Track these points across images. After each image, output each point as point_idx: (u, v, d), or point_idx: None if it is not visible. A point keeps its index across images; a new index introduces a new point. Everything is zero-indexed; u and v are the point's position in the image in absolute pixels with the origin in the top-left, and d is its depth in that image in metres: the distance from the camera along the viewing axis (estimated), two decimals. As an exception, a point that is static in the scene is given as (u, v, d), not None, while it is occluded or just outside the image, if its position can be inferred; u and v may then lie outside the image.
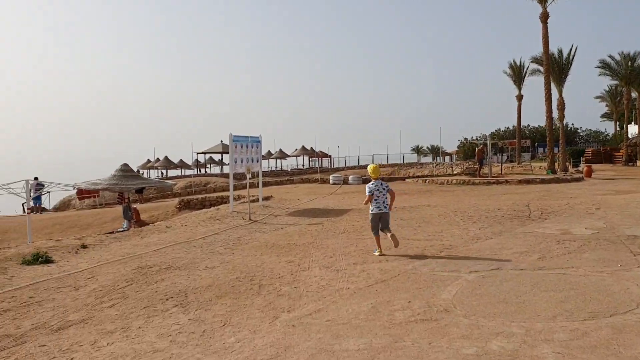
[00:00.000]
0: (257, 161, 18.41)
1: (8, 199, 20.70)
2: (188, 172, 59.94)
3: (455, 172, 38.41)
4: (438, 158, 77.22)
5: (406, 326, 5.17)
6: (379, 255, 8.83)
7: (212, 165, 65.54)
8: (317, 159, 64.74)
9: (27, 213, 17.47)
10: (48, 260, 9.37)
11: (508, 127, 67.15)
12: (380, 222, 8.96)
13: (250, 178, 16.60)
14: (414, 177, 33.30)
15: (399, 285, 6.81)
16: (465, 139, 71.50)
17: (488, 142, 32.12)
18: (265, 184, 26.93)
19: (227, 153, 54.14)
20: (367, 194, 9.01)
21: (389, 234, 8.83)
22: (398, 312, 5.66)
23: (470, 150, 57.61)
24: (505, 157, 47.27)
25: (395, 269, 7.74)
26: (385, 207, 8.98)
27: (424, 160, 78.04)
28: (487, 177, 28.09)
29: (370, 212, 9.05)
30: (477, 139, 67.23)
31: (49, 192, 28.98)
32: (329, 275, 7.54)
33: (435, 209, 15.33)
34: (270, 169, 61.46)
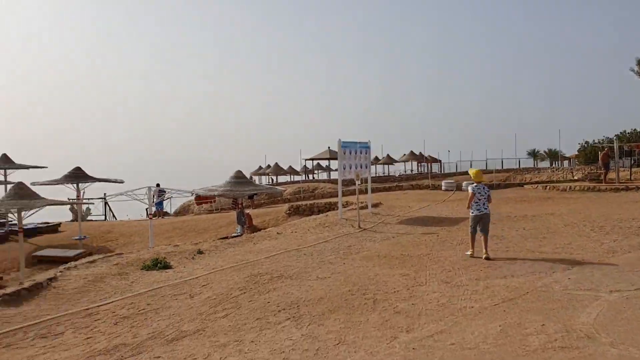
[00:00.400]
0: (366, 167, 18.08)
1: (134, 204, 21.96)
2: (297, 178, 61.02)
3: (576, 178, 35.80)
4: (556, 163, 72.71)
5: (543, 354, 4.57)
6: (470, 256, 9.27)
7: (319, 171, 66.26)
8: (426, 164, 63.35)
9: (149, 218, 18.36)
10: (166, 266, 9.62)
11: (635, 129, 61.75)
12: (479, 224, 9.42)
13: (359, 184, 16.31)
14: (531, 183, 31.40)
15: (529, 305, 6.15)
16: (586, 142, 66.68)
17: (615, 144, 29.55)
18: (373, 190, 26.56)
19: (335, 159, 54.18)
20: (469, 191, 9.58)
21: (484, 242, 9.19)
22: (531, 336, 5.05)
23: (592, 154, 53.58)
24: (632, 161, 43.41)
25: (522, 286, 7.05)
26: (486, 209, 9.45)
27: (540, 165, 73.81)
28: (615, 182, 25.80)
29: (470, 213, 9.58)
30: (599, 142, 62.52)
31: (170, 198, 30.50)
32: (449, 292, 7.01)
33: (559, 217, 14.17)
34: (377, 175, 61.03)
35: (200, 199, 33.08)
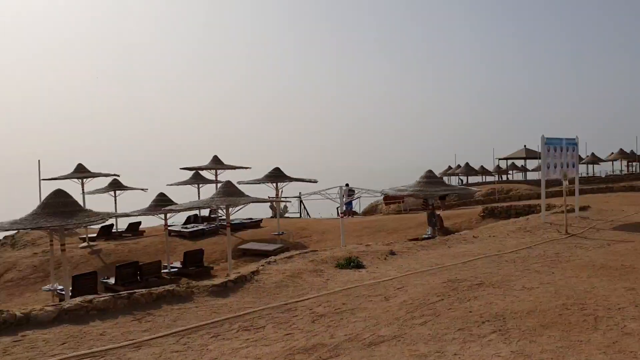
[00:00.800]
0: (573, 166, 16.37)
1: (326, 203, 22.63)
2: (489, 178, 58.34)
3: None
4: None
5: None
6: None
7: (514, 171, 62.65)
8: (638, 163, 56.32)
9: (340, 217, 18.72)
10: (359, 265, 9.52)
11: None
12: None
13: (566, 185, 14.78)
14: None
15: None
16: None
17: None
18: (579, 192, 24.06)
19: (531, 158, 50.57)
20: None
21: None
22: None
23: None
24: None
25: None
26: None
27: None
28: None
29: None
30: None
31: (359, 197, 31.01)
32: (694, 314, 5.82)
33: None
34: (580, 175, 55.73)
35: (388, 198, 33.15)
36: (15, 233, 27.55)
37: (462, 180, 61.51)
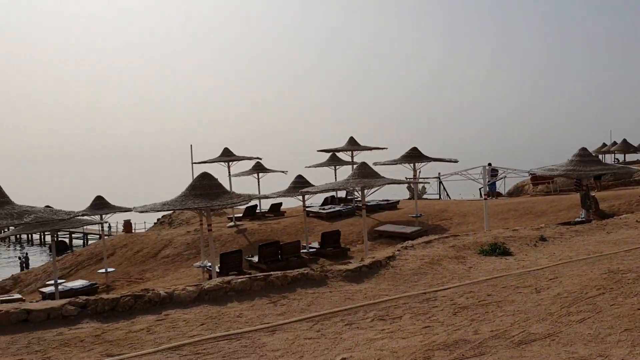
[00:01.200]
0: None
1: (467, 184, 21.68)
2: (652, 157, 52.65)
3: None
4: None
5: None
6: None
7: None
8: None
9: (484, 199, 17.77)
10: (505, 252, 8.86)
11: None
12: None
13: None
14: None
15: None
16: None
17: None
18: None
19: None
20: None
21: None
22: None
23: None
24: None
25: None
26: None
27: None
28: None
29: None
30: None
31: (503, 177, 29.39)
32: None
33: None
34: None
35: (536, 179, 31.07)
36: (172, 212, 29.95)
37: (618, 159, 56.21)
